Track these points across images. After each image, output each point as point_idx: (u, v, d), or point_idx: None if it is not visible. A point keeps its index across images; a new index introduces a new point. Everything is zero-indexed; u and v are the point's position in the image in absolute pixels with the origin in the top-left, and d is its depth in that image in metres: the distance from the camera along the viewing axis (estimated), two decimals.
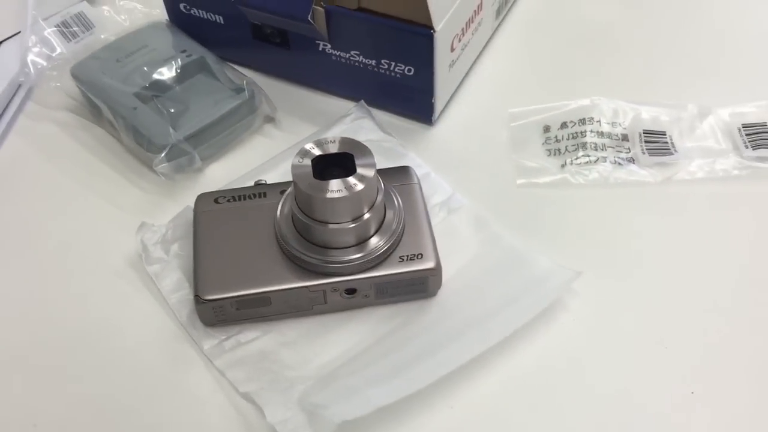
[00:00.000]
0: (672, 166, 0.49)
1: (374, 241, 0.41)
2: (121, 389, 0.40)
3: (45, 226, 0.47)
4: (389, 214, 0.42)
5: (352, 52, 0.50)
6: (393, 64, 0.49)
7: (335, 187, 0.38)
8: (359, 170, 0.39)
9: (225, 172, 0.49)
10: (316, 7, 0.48)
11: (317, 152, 0.39)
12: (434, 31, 0.46)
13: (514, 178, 0.49)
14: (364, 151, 0.39)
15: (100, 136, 0.52)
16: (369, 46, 0.49)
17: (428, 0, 0.44)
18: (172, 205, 0.47)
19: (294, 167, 0.39)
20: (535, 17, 0.60)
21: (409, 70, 0.49)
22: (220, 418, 0.38)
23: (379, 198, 0.40)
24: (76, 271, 0.45)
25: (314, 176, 0.39)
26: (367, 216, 0.40)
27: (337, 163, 0.39)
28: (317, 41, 0.50)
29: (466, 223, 0.46)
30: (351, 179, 0.39)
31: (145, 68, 0.51)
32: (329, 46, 0.50)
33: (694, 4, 0.60)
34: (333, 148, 0.39)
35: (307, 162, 0.39)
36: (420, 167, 0.48)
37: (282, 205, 0.42)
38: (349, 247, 0.40)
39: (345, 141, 0.40)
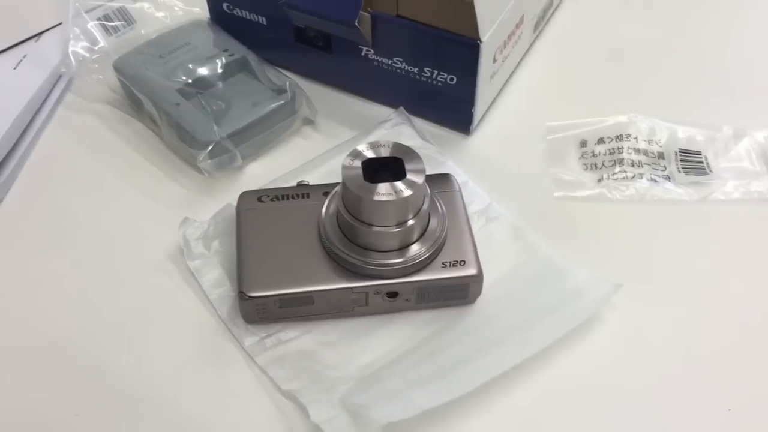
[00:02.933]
0: (707, 186, 0.49)
1: (417, 246, 0.41)
2: (161, 383, 0.40)
3: (84, 218, 0.47)
4: (433, 221, 0.42)
5: (395, 59, 0.50)
6: (435, 72, 0.50)
7: (384, 190, 0.39)
8: (409, 176, 0.39)
9: (264, 172, 0.50)
10: (362, 12, 0.48)
11: (369, 155, 0.40)
12: (480, 42, 0.46)
13: (550, 191, 0.49)
14: (415, 157, 0.40)
15: (139, 131, 0.52)
16: (412, 54, 0.50)
17: (477, 11, 0.45)
18: (211, 202, 0.47)
19: (344, 167, 0.39)
20: (570, 34, 0.60)
21: (452, 79, 0.49)
22: (261, 415, 0.39)
23: (426, 205, 0.41)
24: (116, 264, 0.45)
25: (364, 178, 0.39)
26: (412, 222, 0.40)
27: (386, 166, 0.40)
28: (360, 46, 0.51)
29: (504, 232, 0.46)
30: (400, 184, 0.39)
31: (189, 65, 0.51)
32: (372, 51, 0.51)
33: (729, 27, 0.61)
34: (385, 152, 0.40)
35: (358, 163, 0.39)
36: (458, 175, 0.48)
37: (327, 205, 0.42)
38: (394, 250, 0.41)
39: (397, 146, 0.40)
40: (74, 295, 0.43)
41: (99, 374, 0.40)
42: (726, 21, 0.62)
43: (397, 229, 0.40)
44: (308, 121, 0.53)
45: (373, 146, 0.40)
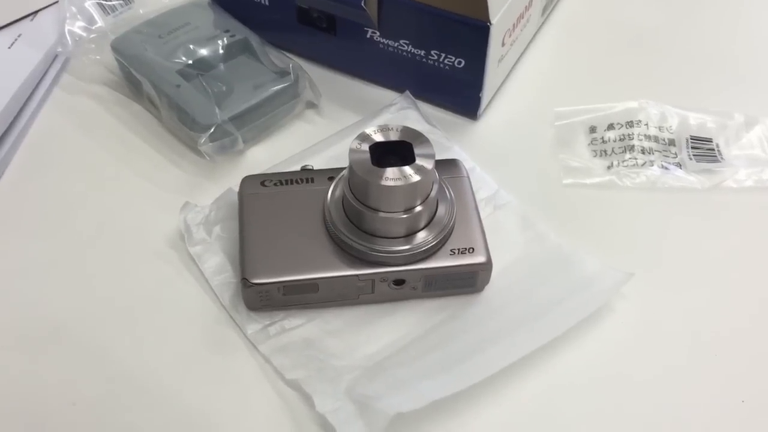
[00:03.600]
0: (719, 174, 0.48)
1: (425, 233, 0.40)
2: (162, 371, 0.39)
3: (82, 201, 0.46)
4: (441, 207, 0.41)
5: (401, 41, 0.49)
6: (443, 55, 0.48)
7: (392, 175, 0.38)
8: (418, 160, 0.38)
9: (266, 156, 0.48)
10: None
11: (378, 138, 0.38)
12: (490, 24, 0.45)
13: (559, 178, 0.48)
14: (425, 142, 0.39)
15: (137, 113, 0.51)
16: (419, 36, 0.48)
17: None
18: (212, 187, 0.46)
19: (352, 151, 0.38)
20: (579, 17, 0.59)
21: (459, 63, 0.48)
22: (265, 405, 0.38)
23: (434, 191, 0.40)
24: (115, 250, 0.44)
25: (372, 162, 0.38)
26: (420, 208, 0.39)
27: (395, 151, 0.39)
28: (365, 28, 0.49)
29: (512, 220, 0.45)
30: (408, 169, 0.38)
31: (189, 46, 0.50)
32: (378, 33, 0.49)
33: (741, 12, 0.60)
34: (394, 136, 0.39)
35: (366, 147, 0.38)
36: (465, 161, 0.47)
37: (333, 189, 0.41)
38: (401, 237, 0.40)
39: (406, 130, 0.39)
40: (72, 281, 0.42)
41: (97, 362, 0.39)
42: (738, 6, 0.61)
43: (405, 215, 0.39)
44: (311, 105, 0.51)
45: (381, 129, 0.39)
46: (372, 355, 0.39)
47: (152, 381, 0.39)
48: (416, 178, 0.38)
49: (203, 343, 0.40)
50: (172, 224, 0.44)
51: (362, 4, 0.47)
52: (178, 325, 0.40)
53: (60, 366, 0.39)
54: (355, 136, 0.39)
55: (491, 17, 0.45)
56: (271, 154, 0.48)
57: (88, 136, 0.50)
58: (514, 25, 0.50)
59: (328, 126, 0.50)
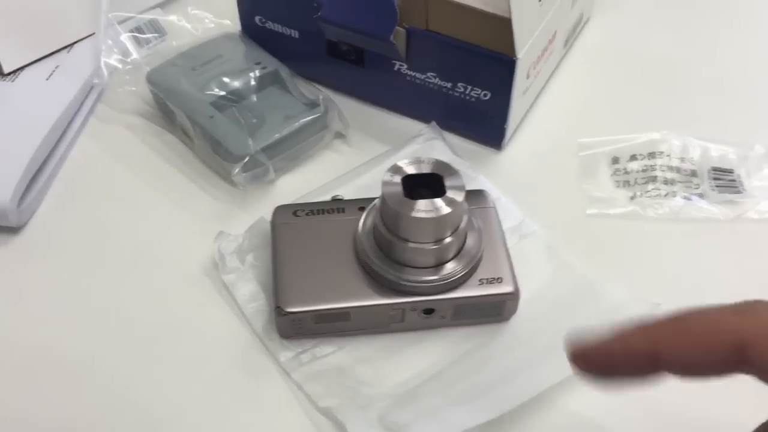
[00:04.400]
0: (741, 204, 0.49)
1: (454, 263, 0.41)
2: (195, 398, 0.40)
3: (117, 229, 0.47)
4: (470, 238, 0.42)
5: (428, 74, 0.50)
6: (469, 88, 0.49)
7: (423, 207, 0.39)
8: (449, 193, 0.39)
9: (296, 185, 0.50)
10: (397, 27, 0.48)
11: (410, 170, 0.39)
12: (517, 59, 0.46)
13: (583, 207, 0.49)
14: (455, 174, 0.40)
15: (171, 143, 0.52)
16: (446, 69, 0.50)
17: (514, 29, 0.45)
18: (243, 215, 0.47)
19: (384, 183, 0.39)
20: (600, 48, 0.60)
21: (485, 95, 0.49)
22: None
23: (464, 223, 0.40)
24: (149, 277, 0.45)
25: (404, 194, 0.39)
26: (450, 239, 0.40)
27: (425, 183, 0.40)
28: (393, 61, 0.51)
29: (538, 249, 0.46)
30: (439, 201, 0.39)
31: (222, 78, 0.51)
32: (405, 66, 0.51)
33: (760, 44, 0.61)
34: (425, 168, 0.40)
35: (398, 179, 0.39)
36: (490, 191, 0.48)
37: (364, 220, 0.42)
38: (430, 267, 0.40)
39: (438, 162, 0.40)
40: (106, 309, 0.43)
41: (129, 389, 0.40)
42: (757, 37, 0.62)
43: (435, 246, 0.40)
44: (340, 135, 0.53)
45: (413, 162, 0.40)
46: (402, 383, 0.40)
47: (186, 408, 0.39)
48: (447, 210, 0.39)
49: (236, 370, 0.41)
50: (205, 252, 0.45)
51: (391, 38, 0.48)
52: (211, 352, 0.41)
53: (91, 393, 0.40)
54: (387, 167, 0.40)
55: (518, 52, 0.46)
56: (300, 183, 0.50)
57: (123, 165, 0.51)
58: (538, 57, 0.51)
59: (356, 156, 0.51)
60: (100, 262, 0.46)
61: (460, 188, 0.39)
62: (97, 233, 0.47)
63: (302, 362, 0.40)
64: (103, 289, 0.44)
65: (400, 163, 0.40)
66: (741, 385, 0.36)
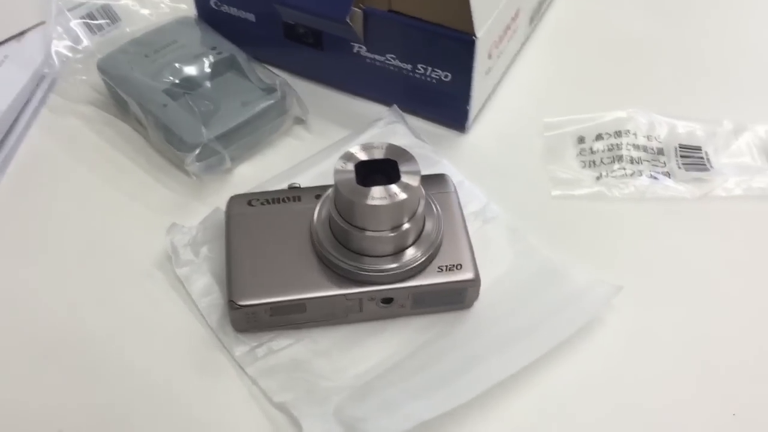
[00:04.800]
0: (708, 182, 0.48)
1: (413, 250, 0.40)
2: (148, 395, 0.39)
3: (68, 223, 0.46)
4: (429, 224, 0.41)
5: (388, 56, 0.49)
6: (429, 69, 0.48)
7: (378, 194, 0.37)
8: (403, 178, 0.38)
9: (254, 174, 0.48)
10: (353, 8, 0.47)
11: (362, 157, 0.38)
12: (476, 38, 0.45)
13: (548, 189, 0.48)
14: (410, 158, 0.39)
15: (125, 132, 0.51)
16: (405, 50, 0.48)
17: (472, 5, 0.43)
18: (199, 206, 0.46)
19: (337, 171, 0.38)
20: (566, 27, 0.59)
21: (446, 76, 0.48)
22: (254, 429, 0.37)
23: (421, 208, 0.39)
24: (101, 271, 0.44)
25: (357, 181, 0.38)
26: (407, 226, 0.39)
27: (380, 169, 0.39)
28: (352, 43, 0.49)
29: (501, 233, 0.45)
30: (394, 187, 0.38)
31: (176, 64, 0.50)
32: (364, 48, 0.49)
33: (729, 19, 0.60)
34: (378, 154, 0.38)
35: (351, 167, 0.38)
36: (453, 175, 0.47)
37: (319, 209, 0.41)
38: (388, 255, 0.39)
39: (391, 147, 0.39)
40: (58, 304, 0.42)
41: (83, 387, 0.39)
42: (726, 13, 0.61)
43: (392, 234, 0.39)
44: (299, 121, 0.51)
45: (366, 148, 0.39)
46: (361, 374, 0.39)
47: (139, 405, 0.38)
48: (402, 196, 0.37)
49: (191, 365, 0.40)
50: (159, 245, 0.44)
51: (347, 20, 0.47)
52: (164, 348, 0.40)
53: (45, 392, 0.39)
54: (340, 154, 0.39)
55: (477, 30, 0.45)
56: (259, 171, 0.48)
57: (75, 156, 0.49)
58: (500, 36, 0.50)
59: (317, 142, 0.50)
60: (49, 257, 0.44)
61: (415, 173, 0.38)
62: (47, 227, 0.46)
63: (257, 356, 0.39)
64: (53, 285, 0.43)
65: (353, 150, 0.38)
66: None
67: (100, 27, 0.55)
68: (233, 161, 0.48)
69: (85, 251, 0.45)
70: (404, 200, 0.37)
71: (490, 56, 0.49)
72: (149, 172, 0.48)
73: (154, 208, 0.46)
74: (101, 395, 0.39)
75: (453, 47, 0.46)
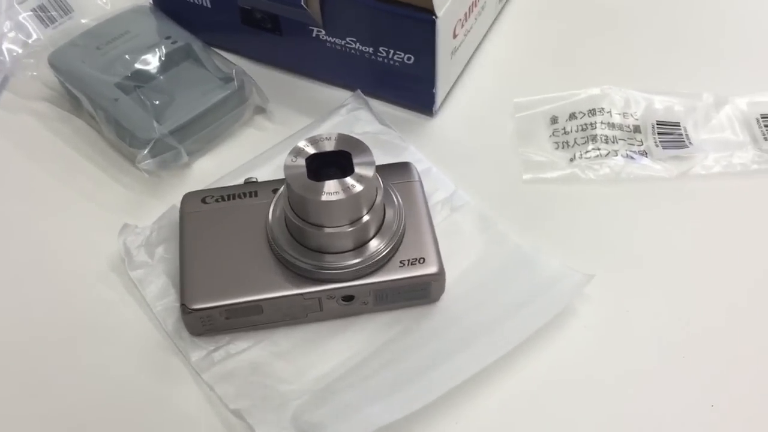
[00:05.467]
0: (687, 160, 0.46)
1: (373, 244, 0.38)
2: (102, 403, 0.37)
3: (20, 224, 0.44)
4: (389, 215, 0.39)
5: (348, 39, 0.47)
6: (391, 51, 0.46)
7: (332, 188, 0.36)
8: (357, 170, 0.36)
9: (213, 168, 0.46)
10: None
11: (311, 150, 0.36)
12: (436, 17, 0.43)
13: (520, 173, 0.46)
14: (363, 148, 0.37)
15: (80, 129, 0.49)
16: (366, 33, 0.46)
17: None
18: (156, 204, 0.44)
19: (287, 167, 0.36)
20: (538, 2, 0.57)
21: (409, 59, 0.46)
22: None
23: (379, 199, 0.38)
24: (53, 274, 0.42)
25: (309, 176, 0.36)
26: (366, 218, 0.37)
27: (332, 161, 0.37)
28: (311, 27, 0.47)
29: (470, 222, 0.43)
30: (348, 180, 0.36)
31: (127, 56, 0.47)
32: (323, 32, 0.47)
33: None
34: (329, 146, 0.37)
35: (301, 161, 0.36)
36: (420, 162, 0.45)
37: (274, 206, 0.39)
38: (347, 251, 0.38)
39: (342, 138, 0.37)
40: (7, 309, 0.41)
41: (34, 395, 0.38)
42: None
43: (350, 228, 0.37)
44: (260, 110, 0.49)
45: (314, 141, 0.37)
46: (322, 377, 0.37)
47: (93, 413, 0.37)
48: (358, 188, 0.36)
49: (146, 372, 0.38)
50: (113, 246, 0.42)
51: (302, 3, 0.45)
52: (118, 354, 0.39)
53: None
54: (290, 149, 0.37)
55: (437, 9, 0.43)
56: (218, 165, 0.46)
57: (28, 155, 0.48)
58: (466, 14, 0.47)
59: (279, 131, 0.48)
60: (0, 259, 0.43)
61: (370, 163, 0.36)
62: None
63: (214, 361, 0.38)
64: (3, 287, 0.41)
65: (301, 144, 0.37)
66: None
67: (52, 19, 0.53)
68: (191, 155, 0.46)
69: (36, 253, 0.43)
70: (360, 192, 0.36)
71: (455, 36, 0.47)
72: (104, 169, 0.47)
73: (108, 207, 0.45)
74: (52, 403, 0.37)
75: (413, 28, 0.44)
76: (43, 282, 0.42)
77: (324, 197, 0.35)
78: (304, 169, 0.36)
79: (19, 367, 0.39)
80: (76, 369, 0.38)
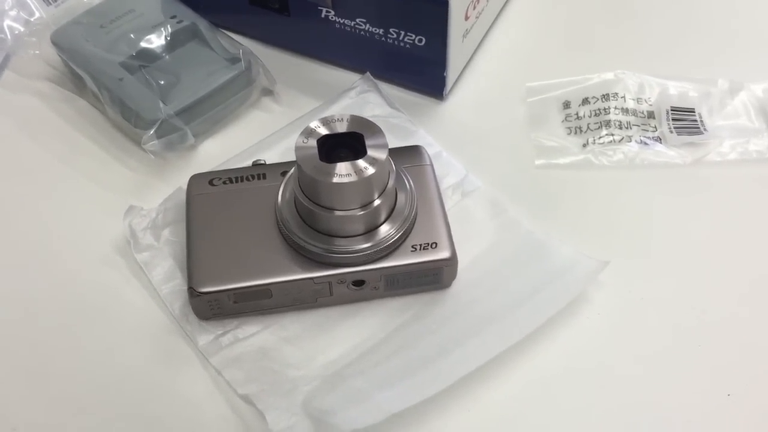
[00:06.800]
0: (702, 146, 0.45)
1: (384, 228, 0.37)
2: (108, 389, 0.37)
3: (24, 206, 0.43)
4: (401, 199, 0.38)
5: (358, 20, 0.46)
6: (402, 33, 0.45)
7: (343, 170, 0.35)
8: (370, 152, 0.35)
9: (220, 150, 0.45)
10: None
11: (324, 131, 0.36)
12: None
13: (532, 159, 0.45)
14: (375, 130, 0.36)
15: (83, 109, 0.48)
16: (376, 14, 0.45)
17: None
18: (162, 186, 0.43)
19: (298, 148, 0.35)
20: None
21: (420, 41, 0.45)
22: (217, 422, 0.35)
23: (391, 182, 0.37)
24: (58, 257, 0.41)
25: (320, 158, 0.35)
26: (377, 202, 0.36)
27: (344, 143, 0.36)
28: (320, 7, 0.46)
29: (482, 207, 0.42)
30: (361, 162, 0.35)
31: (132, 35, 0.46)
32: (333, 12, 0.46)
33: None
34: (341, 127, 0.36)
35: (312, 142, 0.35)
36: (431, 146, 0.44)
37: (283, 188, 0.38)
38: (358, 235, 0.37)
39: (355, 119, 0.36)
40: (12, 292, 0.40)
41: (39, 381, 0.37)
42: None
43: (361, 212, 0.36)
44: (267, 92, 0.48)
45: (327, 122, 0.36)
46: (331, 362, 0.36)
47: (99, 399, 0.36)
48: (370, 171, 0.35)
49: (153, 357, 0.38)
50: (119, 228, 0.41)
51: None
52: (125, 338, 0.38)
53: (1, 385, 0.37)
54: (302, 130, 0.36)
55: None
56: (225, 147, 0.46)
57: (31, 135, 0.47)
58: None
59: (286, 114, 0.47)
60: (5, 243, 0.42)
61: (383, 146, 0.35)
62: (2, 210, 0.43)
63: (222, 345, 0.37)
64: (6, 271, 0.41)
65: (313, 125, 0.36)
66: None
67: None
68: (197, 137, 0.45)
69: (40, 235, 0.42)
70: (372, 175, 0.35)
71: (467, 18, 0.46)
72: (108, 150, 0.46)
73: (113, 189, 0.44)
74: (58, 389, 0.37)
75: (425, 9, 0.43)
76: (46, 265, 0.41)
77: (335, 179, 0.35)
78: (316, 151, 0.35)
79: (23, 352, 0.38)
80: (81, 353, 0.38)
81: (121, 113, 0.44)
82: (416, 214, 0.38)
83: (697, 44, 0.51)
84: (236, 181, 0.40)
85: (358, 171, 0.35)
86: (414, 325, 0.38)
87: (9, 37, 0.49)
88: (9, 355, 0.38)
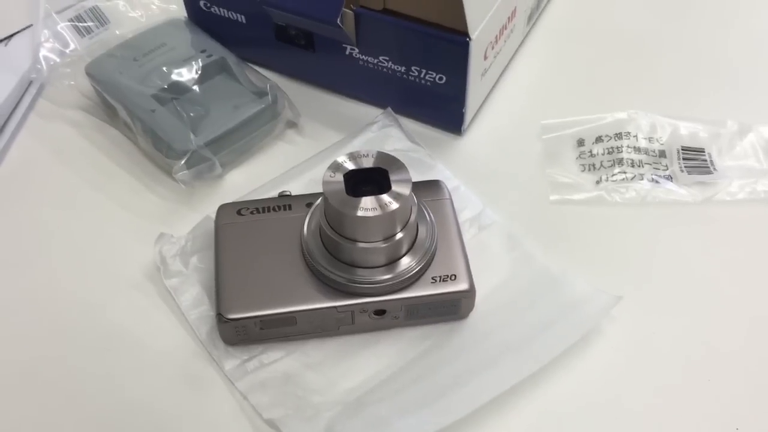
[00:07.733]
0: (712, 186, 0.47)
1: (406, 260, 0.39)
2: (136, 410, 0.38)
3: (57, 231, 0.45)
4: (421, 232, 0.40)
5: (381, 58, 0.48)
6: (423, 71, 0.47)
7: (368, 204, 0.36)
8: (394, 187, 0.37)
9: (245, 180, 0.47)
10: (345, 9, 0.46)
11: (350, 166, 0.37)
12: (470, 39, 0.44)
13: (546, 194, 0.47)
14: (400, 166, 0.37)
15: (114, 138, 0.50)
16: (399, 52, 0.47)
17: (465, 7, 0.42)
18: (190, 214, 0.45)
19: (325, 182, 0.37)
20: (566, 25, 0.58)
21: (441, 78, 0.47)
22: None
23: (413, 216, 0.38)
24: (89, 282, 0.43)
25: (346, 192, 0.37)
26: (399, 235, 0.38)
27: (370, 178, 0.37)
28: (344, 45, 0.48)
29: (498, 241, 0.44)
30: (385, 197, 0.37)
31: (164, 68, 0.49)
32: (357, 50, 0.48)
33: (731, 17, 0.58)
34: (367, 163, 0.37)
35: (339, 177, 0.37)
36: (449, 180, 0.46)
37: (309, 219, 0.40)
38: (380, 266, 0.38)
39: (380, 155, 0.38)
40: (44, 317, 0.41)
41: (70, 401, 0.38)
42: (729, 10, 0.59)
43: (384, 245, 0.38)
44: (291, 125, 0.50)
45: (354, 157, 0.37)
46: (353, 389, 0.38)
47: (128, 420, 0.38)
48: (394, 206, 0.36)
49: (180, 379, 0.39)
50: (148, 254, 0.43)
51: (338, 21, 0.46)
52: (153, 361, 0.39)
53: (30, 405, 0.38)
54: (329, 163, 0.38)
55: (471, 32, 0.44)
56: (250, 178, 0.47)
57: (63, 162, 0.49)
58: (497, 37, 0.48)
59: (310, 146, 0.49)
60: (35, 267, 0.43)
61: (406, 181, 0.37)
62: (35, 235, 0.45)
63: (248, 370, 0.38)
64: (40, 295, 0.42)
65: (340, 160, 0.37)
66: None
67: (88, 29, 0.54)
68: (224, 167, 0.47)
69: (72, 260, 0.44)
70: (396, 210, 0.36)
71: (485, 57, 0.48)
72: (139, 178, 0.47)
73: (143, 216, 0.46)
74: (86, 410, 0.38)
75: (447, 49, 0.45)
76: (78, 289, 0.42)
77: (360, 213, 0.36)
78: (342, 185, 0.37)
79: (54, 374, 0.39)
80: (110, 376, 0.39)
81: (152, 143, 0.46)
82: (436, 246, 0.40)
83: (708, 86, 0.53)
84: (263, 211, 0.42)
85: (383, 205, 0.36)
86: (433, 354, 0.39)
87: (45, 67, 0.51)
88: (40, 377, 0.39)
